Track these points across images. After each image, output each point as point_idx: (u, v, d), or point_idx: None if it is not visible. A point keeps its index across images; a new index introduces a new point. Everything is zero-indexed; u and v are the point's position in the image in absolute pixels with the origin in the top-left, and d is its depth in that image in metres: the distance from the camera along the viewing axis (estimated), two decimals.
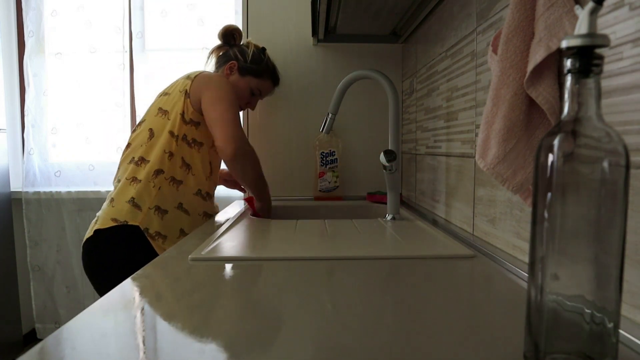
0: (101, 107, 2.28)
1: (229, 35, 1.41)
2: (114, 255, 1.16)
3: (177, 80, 1.31)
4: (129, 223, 1.15)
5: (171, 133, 1.21)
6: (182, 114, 1.22)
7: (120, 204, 1.17)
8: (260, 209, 1.37)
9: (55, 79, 2.28)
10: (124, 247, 1.15)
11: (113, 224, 1.15)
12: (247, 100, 1.42)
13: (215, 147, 1.27)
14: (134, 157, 1.22)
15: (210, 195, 1.32)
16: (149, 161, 1.20)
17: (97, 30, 2.25)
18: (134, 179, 1.19)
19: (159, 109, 1.25)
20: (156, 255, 1.15)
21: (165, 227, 1.19)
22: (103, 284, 1.16)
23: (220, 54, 1.43)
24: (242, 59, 1.38)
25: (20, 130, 2.32)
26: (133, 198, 1.17)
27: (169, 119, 1.22)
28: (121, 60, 2.25)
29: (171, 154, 1.21)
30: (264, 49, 1.43)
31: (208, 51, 1.46)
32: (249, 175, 1.25)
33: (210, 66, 1.44)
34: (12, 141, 2.30)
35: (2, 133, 2.05)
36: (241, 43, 1.43)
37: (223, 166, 1.47)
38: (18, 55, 2.32)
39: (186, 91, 1.24)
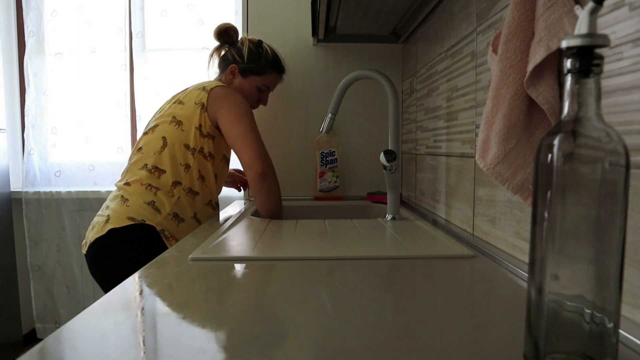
0: (101, 107, 2.28)
1: (224, 33, 1.38)
2: (131, 253, 1.15)
3: (190, 89, 1.30)
4: (146, 222, 1.15)
5: (186, 146, 1.22)
6: (200, 128, 1.23)
7: (137, 205, 1.17)
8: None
9: (55, 79, 2.28)
10: (141, 245, 1.15)
11: (129, 222, 1.15)
12: (257, 99, 1.42)
13: (224, 161, 1.32)
14: (146, 164, 1.22)
15: (217, 205, 1.36)
16: (164, 171, 1.21)
17: (97, 30, 2.25)
18: (150, 186, 1.20)
19: (173, 117, 1.24)
20: None
21: (179, 233, 1.20)
22: (115, 283, 1.16)
23: (221, 55, 1.42)
24: (240, 60, 1.36)
25: (20, 130, 2.32)
26: (153, 202, 1.18)
27: (183, 130, 1.23)
28: (121, 60, 2.25)
29: (187, 166, 1.23)
30: (259, 43, 1.40)
31: (208, 54, 1.44)
32: (272, 198, 1.24)
33: (213, 70, 1.44)
34: (12, 141, 2.30)
35: (2, 133, 2.05)
36: (237, 41, 1.41)
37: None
38: (18, 55, 2.32)
39: (203, 104, 1.24)
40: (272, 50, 1.41)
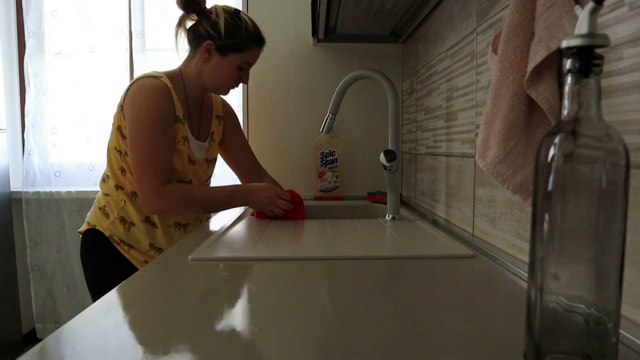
0: (101, 107, 2.28)
1: (189, 0, 1.17)
2: (86, 257, 1.20)
3: None
4: (96, 228, 1.18)
5: (116, 149, 1.16)
6: (120, 128, 1.14)
7: (94, 210, 1.21)
8: (259, 211, 1.21)
9: (55, 79, 2.27)
10: (93, 250, 1.19)
11: (87, 227, 1.20)
12: (237, 77, 1.20)
13: None
14: (105, 171, 1.22)
15: None
16: (109, 177, 1.19)
17: (97, 30, 2.25)
18: (104, 193, 1.21)
19: (113, 119, 1.18)
20: (123, 258, 1.16)
21: (130, 238, 1.17)
22: (87, 284, 1.22)
23: (189, 28, 1.21)
24: (217, 36, 1.14)
25: (20, 130, 2.32)
26: (104, 206, 1.19)
27: (112, 133, 1.17)
28: (121, 60, 2.25)
29: (123, 170, 1.16)
30: (237, 12, 1.18)
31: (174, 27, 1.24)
32: (189, 212, 1.18)
33: (182, 46, 1.22)
34: (12, 141, 2.30)
35: (2, 133, 2.05)
36: (207, 9, 1.19)
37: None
38: (18, 55, 2.32)
39: (121, 102, 1.14)
40: (251, 20, 1.19)
